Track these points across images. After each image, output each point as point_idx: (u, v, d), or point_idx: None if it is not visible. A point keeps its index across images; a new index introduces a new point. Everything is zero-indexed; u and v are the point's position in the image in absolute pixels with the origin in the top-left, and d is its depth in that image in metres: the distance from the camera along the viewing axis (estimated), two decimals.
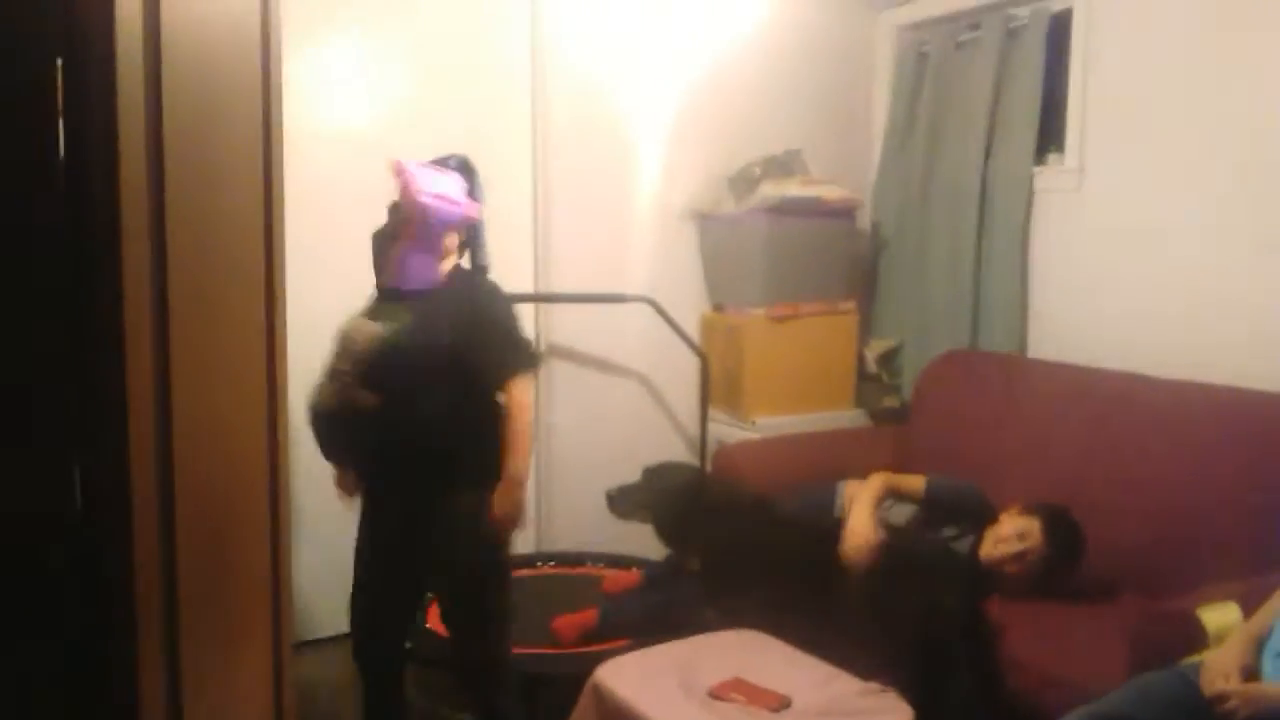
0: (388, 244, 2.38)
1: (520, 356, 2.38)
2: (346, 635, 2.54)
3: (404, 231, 2.33)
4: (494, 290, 2.45)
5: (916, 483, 2.84)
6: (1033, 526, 2.60)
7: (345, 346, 2.32)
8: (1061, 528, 2.59)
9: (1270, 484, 2.40)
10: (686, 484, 2.98)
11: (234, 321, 1.33)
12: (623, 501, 3.02)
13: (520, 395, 2.33)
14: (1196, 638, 1.97)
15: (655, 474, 3.02)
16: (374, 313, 2.37)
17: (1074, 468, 2.87)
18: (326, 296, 2.52)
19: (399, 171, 2.31)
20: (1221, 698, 1.76)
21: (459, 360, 2.29)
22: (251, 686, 1.43)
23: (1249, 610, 1.95)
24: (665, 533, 2.95)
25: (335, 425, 2.34)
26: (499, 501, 2.31)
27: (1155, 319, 3.02)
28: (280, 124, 1.45)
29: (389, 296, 2.38)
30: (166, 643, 1.07)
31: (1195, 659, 1.93)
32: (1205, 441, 2.59)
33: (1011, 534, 2.61)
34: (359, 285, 2.46)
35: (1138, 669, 2.00)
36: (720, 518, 2.86)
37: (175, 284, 1.06)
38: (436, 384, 2.30)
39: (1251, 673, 1.80)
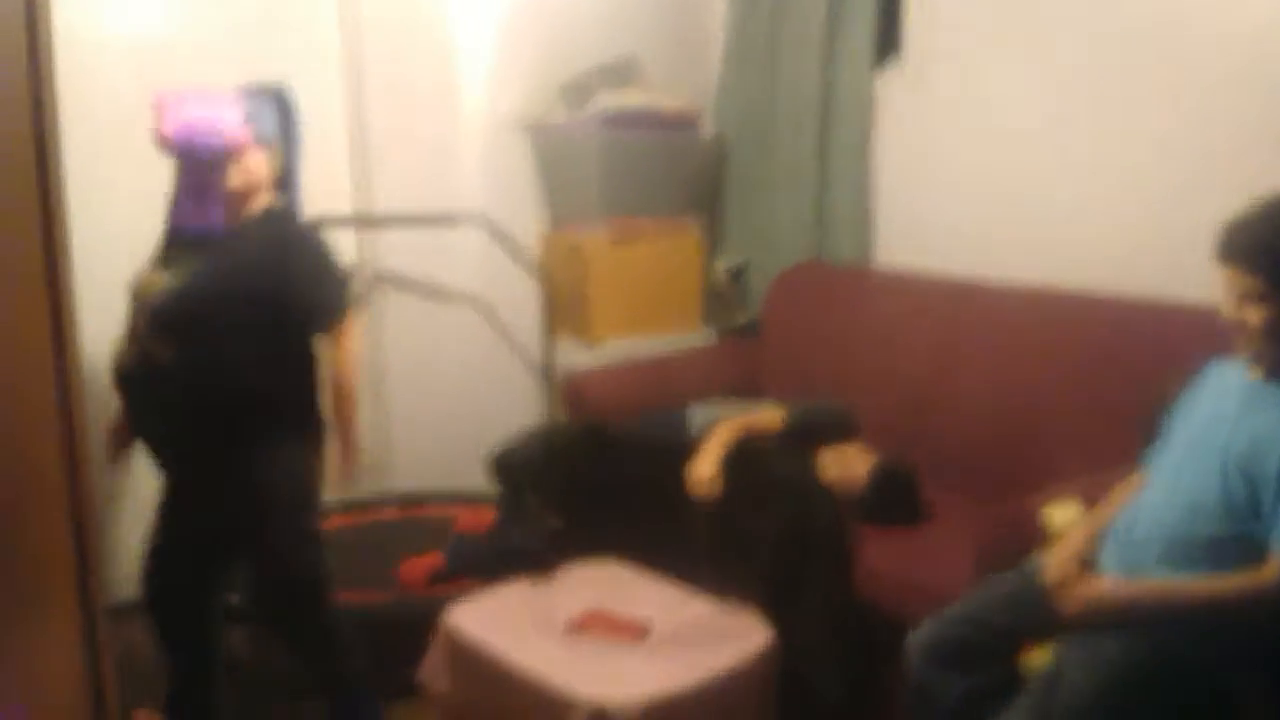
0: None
1: (334, 306, 2.22)
2: None
3: (177, 169, 2.16)
4: (305, 232, 2.27)
5: (774, 420, 2.76)
6: (862, 467, 2.59)
7: (137, 302, 2.12)
8: (887, 485, 2.57)
9: (1109, 384, 2.47)
10: (535, 452, 2.80)
11: (6, 267, 1.17)
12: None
13: (347, 348, 2.22)
14: (1041, 535, 2.02)
15: (501, 462, 2.83)
16: (164, 260, 2.17)
17: (920, 376, 2.92)
18: (121, 221, 2.31)
19: (156, 105, 2.10)
20: (1058, 589, 1.82)
21: (263, 305, 2.13)
22: (61, 657, 1.34)
23: (1091, 506, 2.01)
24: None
25: (140, 389, 2.16)
26: (341, 465, 2.24)
27: (998, 223, 3.05)
28: (49, 32, 1.25)
29: (177, 240, 2.18)
30: None
31: (1042, 556, 1.97)
32: (1047, 344, 2.65)
33: (841, 458, 2.63)
34: (154, 207, 2.21)
35: (986, 569, 2.05)
36: (571, 461, 2.73)
37: None
38: (238, 330, 2.12)
39: (1090, 563, 1.86)
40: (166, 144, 2.11)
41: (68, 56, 1.30)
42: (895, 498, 2.56)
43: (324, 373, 2.28)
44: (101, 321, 2.06)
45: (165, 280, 2.12)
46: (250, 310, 2.13)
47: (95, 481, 1.40)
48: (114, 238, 2.36)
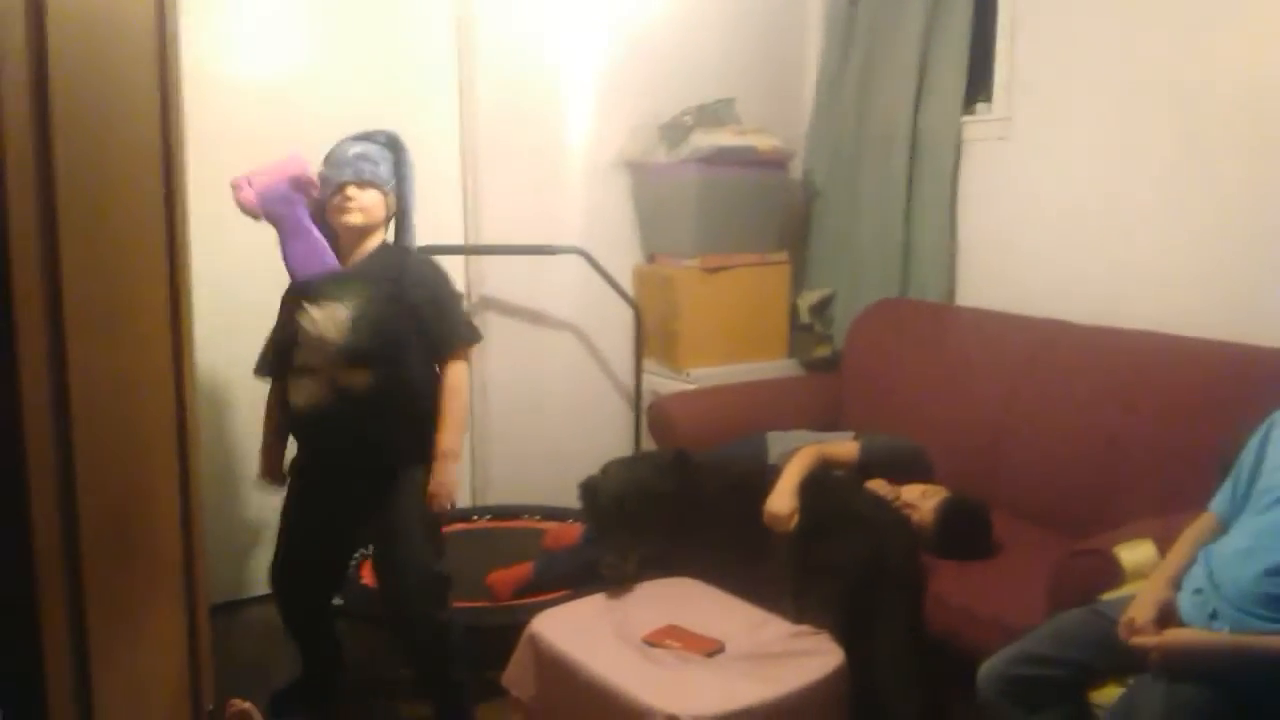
0: None
1: (461, 332, 2.37)
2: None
3: (277, 229, 2.33)
4: (430, 266, 2.41)
5: (849, 450, 2.80)
6: (928, 504, 2.61)
7: (313, 336, 2.27)
8: (956, 523, 2.58)
9: (1182, 425, 2.46)
10: (623, 484, 2.77)
11: (134, 280, 1.27)
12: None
13: (457, 372, 2.34)
14: (1114, 575, 2.02)
15: (588, 491, 2.82)
16: (313, 298, 2.32)
17: (998, 413, 2.93)
18: (232, 251, 2.48)
19: (233, 186, 2.31)
20: (1138, 636, 1.79)
21: (402, 334, 2.29)
22: (165, 649, 1.40)
23: (1164, 548, 2.01)
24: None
25: (329, 421, 2.31)
26: (434, 477, 2.32)
27: (1078, 266, 3.08)
28: (178, 70, 1.38)
29: (310, 282, 2.33)
30: (72, 613, 1.03)
31: (1112, 595, 1.99)
32: (1123, 385, 2.65)
33: (907, 498, 2.66)
34: (264, 240, 2.39)
35: (1058, 606, 2.05)
36: (657, 489, 2.73)
37: (67, 241, 1.00)
38: (408, 352, 2.30)
39: (1171, 609, 1.84)
40: (253, 212, 2.30)
41: (196, 97, 1.40)
42: (966, 531, 2.58)
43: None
44: (215, 341, 2.20)
45: (335, 314, 2.27)
46: (401, 331, 2.29)
47: (203, 487, 1.50)
48: (233, 260, 2.56)
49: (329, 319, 2.27)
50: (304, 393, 2.31)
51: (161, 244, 1.31)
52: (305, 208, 2.32)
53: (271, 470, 2.49)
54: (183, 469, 1.38)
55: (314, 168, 2.36)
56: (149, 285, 1.30)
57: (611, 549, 2.62)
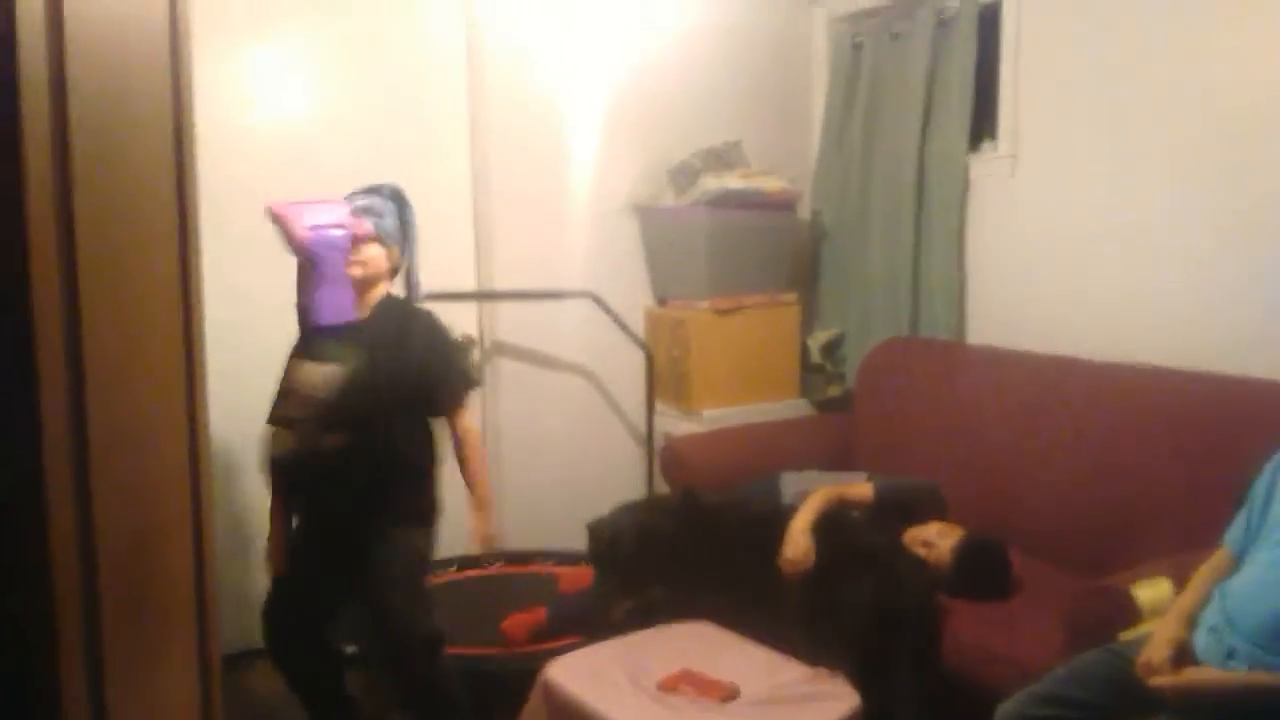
0: (301, 284, 2.34)
1: (457, 387, 2.40)
2: None
3: (306, 271, 2.30)
4: (427, 318, 2.43)
5: (864, 491, 2.79)
6: (946, 543, 2.60)
7: (302, 392, 2.29)
8: (975, 563, 2.56)
9: (1198, 461, 2.45)
10: (626, 527, 2.77)
11: (150, 327, 1.28)
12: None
13: (466, 424, 2.41)
14: (1130, 613, 2.01)
15: (592, 535, 2.82)
16: (314, 353, 2.34)
17: (1011, 451, 2.92)
18: (245, 300, 2.49)
19: (275, 216, 2.26)
20: (1155, 676, 1.78)
21: (399, 392, 2.31)
22: (179, 701, 1.39)
23: (1181, 585, 1.99)
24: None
25: (302, 473, 2.34)
26: (477, 527, 2.45)
27: (1089, 303, 3.08)
28: (192, 122, 1.39)
29: (318, 333, 2.34)
30: (89, 662, 1.03)
31: (1131, 634, 1.97)
32: (1137, 422, 2.64)
33: (924, 537, 2.64)
34: (279, 286, 2.40)
35: (1076, 646, 2.04)
36: (665, 532, 2.74)
37: (86, 288, 1.01)
38: (391, 414, 2.31)
39: (1186, 648, 1.83)
40: (301, 248, 2.26)
41: (208, 146, 1.41)
42: (984, 571, 2.57)
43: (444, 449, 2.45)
44: (227, 390, 2.17)
45: (327, 373, 2.29)
46: (394, 394, 2.31)
47: (213, 529, 1.48)
48: (243, 311, 2.57)
49: (322, 376, 2.29)
50: (284, 442, 2.33)
51: (177, 293, 1.33)
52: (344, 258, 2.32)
53: (278, 560, 2.48)
54: (196, 517, 1.38)
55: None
56: (165, 333, 1.31)
57: (603, 594, 2.62)
